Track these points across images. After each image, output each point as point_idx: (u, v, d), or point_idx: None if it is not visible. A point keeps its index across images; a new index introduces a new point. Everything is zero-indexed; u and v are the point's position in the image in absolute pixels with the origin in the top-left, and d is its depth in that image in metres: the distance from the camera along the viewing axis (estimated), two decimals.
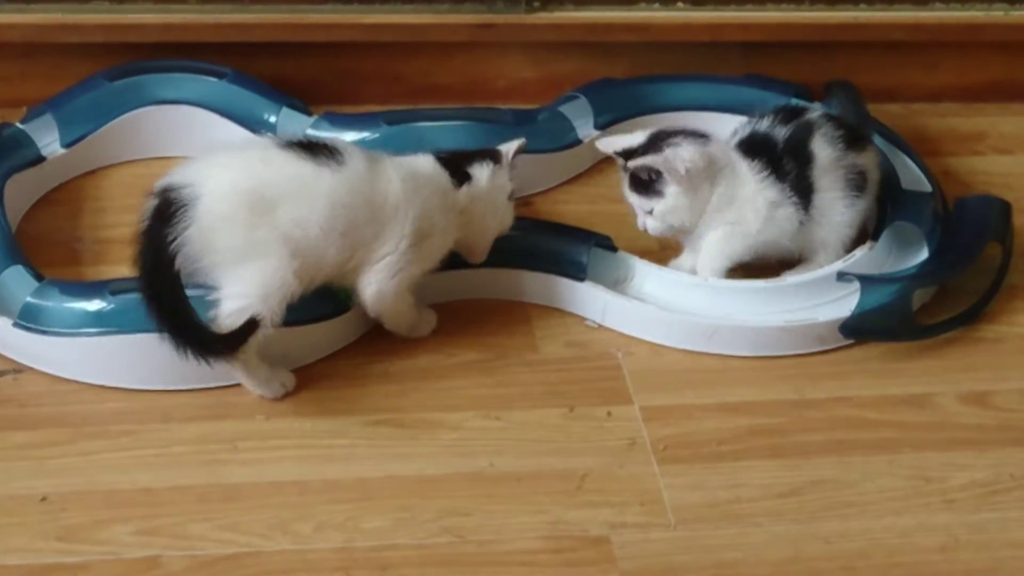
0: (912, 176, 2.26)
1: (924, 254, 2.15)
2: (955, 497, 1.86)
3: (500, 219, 2.03)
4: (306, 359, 1.97)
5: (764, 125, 2.12)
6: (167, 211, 1.81)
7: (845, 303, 2.05)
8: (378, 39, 2.38)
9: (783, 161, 2.07)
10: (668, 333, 2.04)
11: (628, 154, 2.06)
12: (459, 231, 1.99)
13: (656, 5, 2.45)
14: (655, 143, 2.05)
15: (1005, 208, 2.23)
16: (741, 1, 2.47)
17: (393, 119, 2.26)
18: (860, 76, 2.51)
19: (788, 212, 2.07)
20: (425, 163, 1.99)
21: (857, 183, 2.10)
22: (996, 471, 1.90)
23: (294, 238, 1.84)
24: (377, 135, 2.22)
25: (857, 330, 2.04)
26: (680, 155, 2.02)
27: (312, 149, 1.88)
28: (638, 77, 2.43)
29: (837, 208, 2.10)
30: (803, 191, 2.08)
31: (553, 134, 2.30)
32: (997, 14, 2.52)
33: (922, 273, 2.10)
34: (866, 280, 2.04)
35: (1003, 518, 1.84)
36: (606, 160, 2.36)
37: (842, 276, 2.06)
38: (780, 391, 1.99)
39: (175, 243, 1.80)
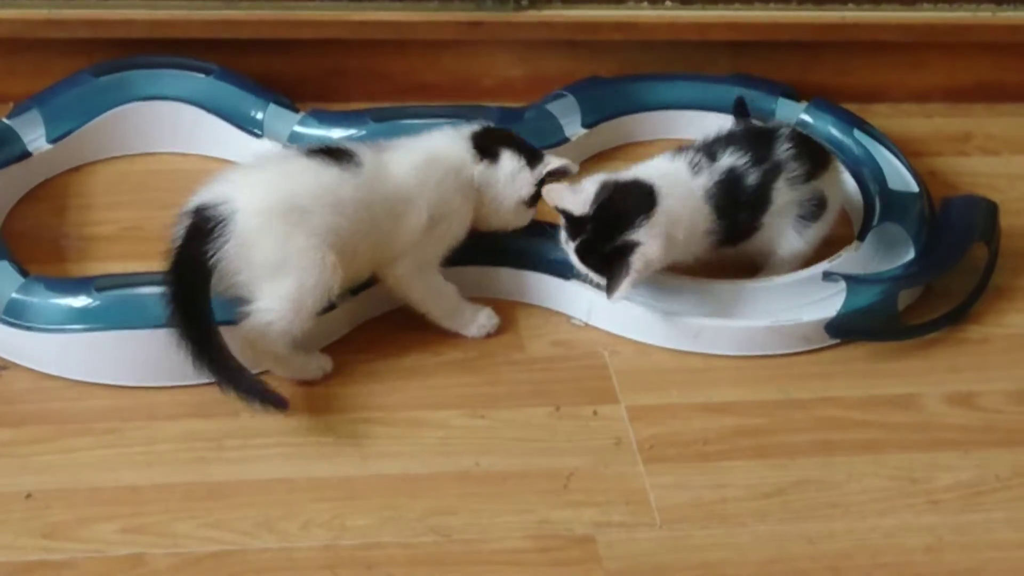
0: (898, 176, 2.26)
1: (910, 254, 2.15)
2: (940, 498, 1.86)
3: (502, 217, 2.03)
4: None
5: (731, 161, 2.03)
6: (204, 227, 1.82)
7: (831, 303, 2.05)
8: (366, 36, 2.38)
9: (736, 208, 2.03)
10: (654, 332, 2.04)
11: (571, 221, 1.98)
12: (477, 208, 2.01)
13: (644, 4, 2.45)
14: (606, 233, 1.95)
15: (991, 208, 2.23)
16: (729, 0, 2.46)
17: (380, 116, 2.26)
18: (847, 76, 2.53)
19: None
20: (442, 141, 2.01)
21: (813, 211, 2.08)
22: (981, 472, 1.90)
23: (329, 244, 1.85)
24: (364, 132, 2.22)
25: (843, 330, 2.04)
26: (648, 256, 1.94)
27: (334, 155, 1.91)
28: (626, 76, 2.44)
29: (787, 237, 2.08)
30: (743, 233, 2.06)
31: (540, 132, 2.30)
32: (984, 15, 2.52)
33: (908, 273, 2.10)
34: (852, 280, 2.04)
35: (988, 519, 1.84)
36: (593, 159, 2.37)
37: (828, 276, 2.06)
38: (766, 391, 2.00)
39: (213, 259, 1.82)
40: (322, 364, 1.94)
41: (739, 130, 2.12)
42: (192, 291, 1.82)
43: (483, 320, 2.03)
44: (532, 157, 2.04)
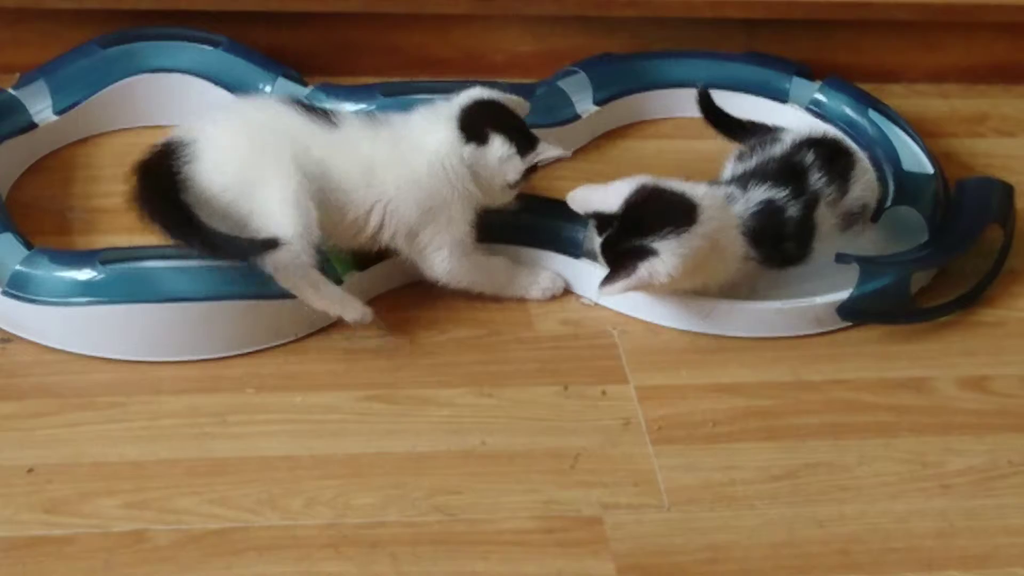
0: (913, 157, 2.24)
1: (924, 236, 2.13)
2: (952, 482, 1.85)
3: (486, 196, 1.99)
4: (298, 333, 1.95)
5: (775, 199, 1.99)
6: (168, 150, 1.87)
7: (843, 284, 2.03)
8: (376, 10, 2.36)
9: (783, 244, 2.01)
10: (664, 312, 2.03)
11: (602, 221, 1.95)
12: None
13: None
14: (630, 233, 1.91)
15: (1006, 190, 2.21)
16: None
17: (389, 91, 2.23)
18: (862, 55, 2.51)
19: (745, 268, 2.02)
20: (424, 127, 1.97)
21: (854, 221, 2.07)
22: (993, 457, 1.89)
23: (300, 164, 1.87)
24: (373, 107, 2.20)
25: (855, 312, 2.02)
26: (654, 269, 1.90)
27: (310, 109, 1.95)
28: (638, 53, 2.41)
29: (832, 245, 2.06)
30: (787, 262, 2.03)
31: (551, 109, 2.28)
32: None
33: (922, 256, 2.08)
34: (865, 262, 2.02)
35: (1000, 504, 1.83)
36: (604, 136, 2.35)
37: (841, 258, 2.04)
38: (776, 372, 1.98)
39: (179, 175, 1.85)
40: (363, 310, 1.92)
41: (769, 163, 2.05)
42: (167, 199, 1.85)
43: (546, 283, 2.03)
44: (524, 144, 1.99)
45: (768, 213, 1.99)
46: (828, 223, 2.03)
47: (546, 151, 1.99)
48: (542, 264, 2.05)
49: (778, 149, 2.05)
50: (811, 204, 2.01)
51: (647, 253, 1.90)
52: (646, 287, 1.93)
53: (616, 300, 2.03)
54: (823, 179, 2.03)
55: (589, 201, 1.96)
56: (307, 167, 1.87)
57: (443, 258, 1.96)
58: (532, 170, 1.99)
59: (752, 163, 2.05)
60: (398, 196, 1.93)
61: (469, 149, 1.96)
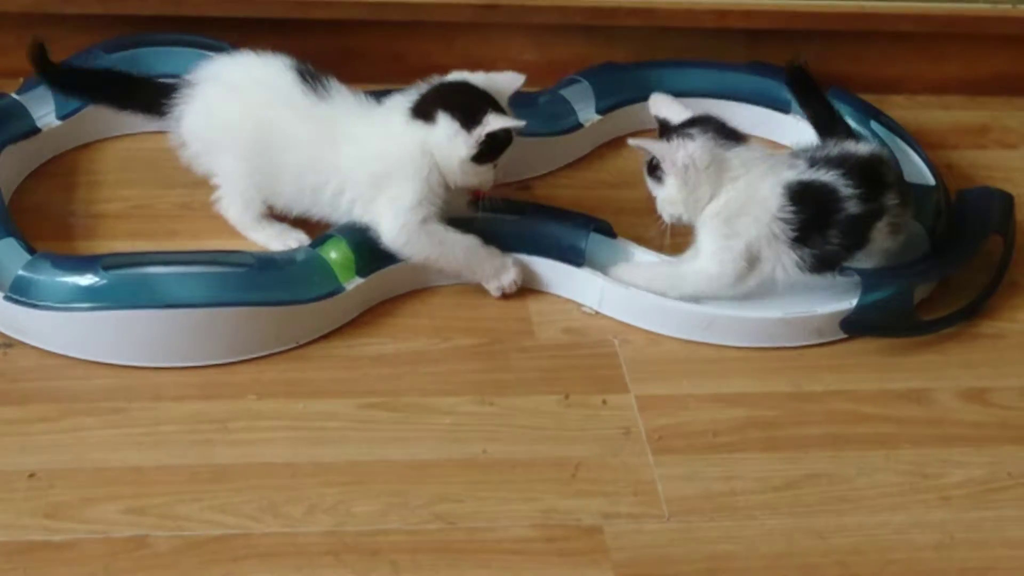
0: (915, 169, 2.24)
1: (926, 248, 2.13)
2: (951, 494, 1.85)
3: (457, 175, 1.99)
4: (300, 339, 1.95)
5: (837, 186, 1.99)
6: (172, 84, 2.06)
7: (845, 296, 2.03)
8: (380, 18, 2.36)
9: (828, 233, 2.00)
10: (665, 321, 2.03)
11: (664, 126, 2.04)
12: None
13: None
14: (683, 128, 2.00)
15: (1007, 201, 2.21)
16: None
17: None
18: (865, 66, 2.51)
19: (785, 276, 2.02)
20: (392, 110, 2.02)
21: (897, 230, 2.05)
22: (993, 469, 1.89)
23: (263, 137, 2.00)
24: None
25: (858, 325, 2.02)
26: (684, 148, 1.97)
27: (309, 76, 2.04)
28: (641, 62, 2.42)
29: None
30: (832, 264, 2.02)
31: (554, 117, 2.29)
32: (1004, 7, 2.50)
33: (923, 269, 2.08)
34: (867, 275, 2.02)
35: (999, 516, 1.83)
36: (606, 145, 2.35)
37: (843, 270, 2.04)
38: (777, 383, 1.98)
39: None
40: (296, 236, 2.04)
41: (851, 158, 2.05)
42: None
43: (506, 281, 2.03)
44: (468, 118, 1.97)
45: (824, 191, 1.99)
46: (880, 244, 2.03)
47: (494, 122, 1.96)
48: (541, 272, 2.06)
49: (863, 150, 2.06)
50: (873, 213, 2.00)
51: (686, 136, 1.98)
52: (670, 175, 1.98)
53: (618, 309, 2.03)
54: (896, 200, 2.02)
55: (661, 107, 2.06)
56: (274, 137, 1.98)
57: (389, 220, 1.97)
58: (497, 146, 1.98)
59: (832, 151, 2.04)
60: (357, 168, 1.98)
61: (421, 129, 1.97)
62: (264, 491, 1.75)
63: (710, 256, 2.01)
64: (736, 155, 1.99)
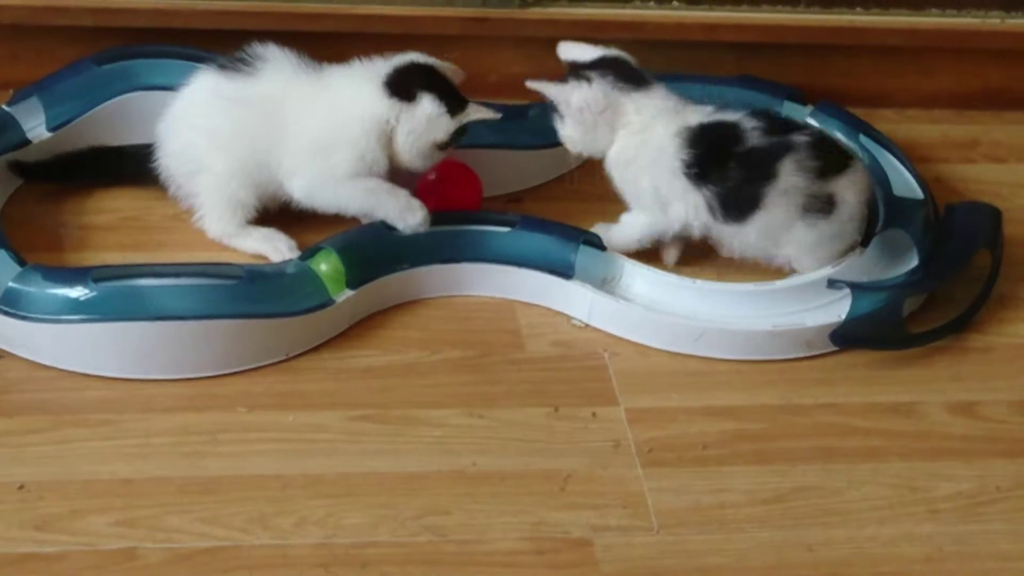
0: (904, 182, 2.25)
1: (914, 261, 2.13)
2: (940, 507, 1.85)
3: (412, 157, 2.03)
4: (290, 351, 1.95)
5: (740, 121, 2.04)
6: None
7: (834, 308, 2.04)
8: (370, 30, 2.36)
9: (728, 167, 2.02)
10: (655, 334, 2.03)
11: (572, 67, 2.07)
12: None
13: (650, 3, 2.44)
14: (585, 69, 2.05)
15: (995, 215, 2.22)
16: (736, 1, 2.45)
17: None
18: (854, 79, 2.51)
19: (700, 222, 2.06)
20: (351, 78, 2.05)
21: (820, 207, 2.04)
22: (982, 482, 1.89)
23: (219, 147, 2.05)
24: None
25: (848, 338, 2.03)
26: (579, 90, 2.03)
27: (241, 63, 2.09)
28: None
29: (797, 228, 2.05)
30: (739, 206, 2.03)
31: (544, 130, 2.27)
32: (993, 21, 2.51)
33: (912, 281, 2.09)
34: (856, 287, 2.03)
35: (988, 530, 1.83)
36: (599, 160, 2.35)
37: (832, 283, 2.04)
38: (766, 396, 1.98)
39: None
40: (289, 243, 2.04)
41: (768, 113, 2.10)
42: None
43: (411, 220, 2.02)
44: (454, 104, 2.02)
45: (724, 128, 2.03)
46: (789, 184, 2.02)
47: (476, 112, 2.03)
48: (531, 284, 2.06)
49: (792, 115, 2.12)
50: (778, 149, 2.02)
51: (583, 79, 2.04)
52: (567, 116, 2.06)
53: (608, 321, 2.03)
54: (805, 141, 2.03)
55: (571, 51, 2.10)
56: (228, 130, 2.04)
57: (309, 178, 2.03)
58: (460, 132, 2.03)
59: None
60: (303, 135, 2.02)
61: (395, 106, 1.99)
62: (254, 503, 1.75)
63: (633, 203, 2.07)
64: (632, 100, 2.04)
